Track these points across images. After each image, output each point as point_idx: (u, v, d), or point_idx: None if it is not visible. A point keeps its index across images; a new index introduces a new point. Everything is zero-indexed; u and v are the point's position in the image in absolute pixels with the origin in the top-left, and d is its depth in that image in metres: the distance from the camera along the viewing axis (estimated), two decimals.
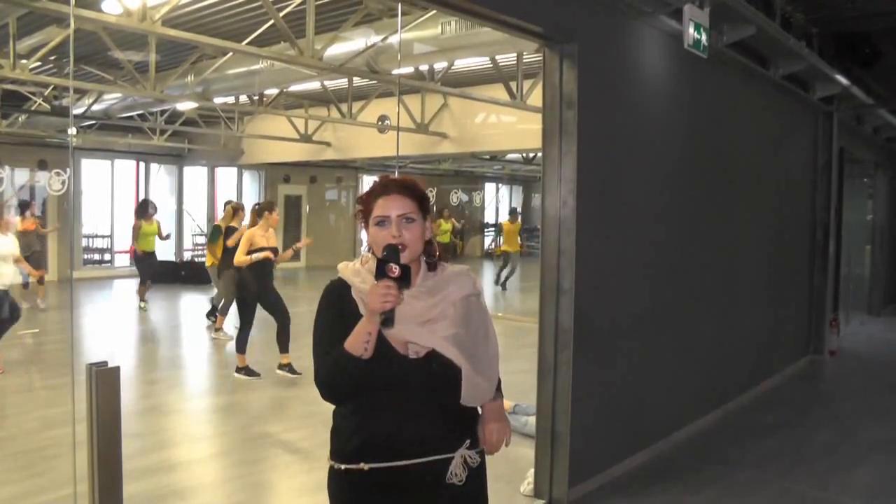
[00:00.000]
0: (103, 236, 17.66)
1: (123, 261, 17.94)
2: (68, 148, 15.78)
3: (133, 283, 12.54)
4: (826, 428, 6.40)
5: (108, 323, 11.28)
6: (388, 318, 2.02)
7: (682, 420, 5.95)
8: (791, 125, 8.41)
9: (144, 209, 12.39)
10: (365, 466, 2.12)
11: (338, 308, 2.16)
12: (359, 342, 2.05)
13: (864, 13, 7.46)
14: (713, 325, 6.50)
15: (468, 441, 2.19)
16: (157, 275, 12.40)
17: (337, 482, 2.21)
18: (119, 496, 3.02)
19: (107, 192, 17.49)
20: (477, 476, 2.22)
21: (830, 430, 6.34)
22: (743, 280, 7.11)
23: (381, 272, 2.03)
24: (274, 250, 7.71)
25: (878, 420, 6.69)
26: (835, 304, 9.78)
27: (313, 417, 6.39)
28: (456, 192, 24.24)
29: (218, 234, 9.85)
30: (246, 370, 7.62)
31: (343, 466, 2.17)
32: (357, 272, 2.19)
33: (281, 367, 7.63)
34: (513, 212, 18.15)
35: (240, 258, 7.55)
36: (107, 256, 17.85)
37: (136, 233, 11.95)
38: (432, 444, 2.12)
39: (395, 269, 2.02)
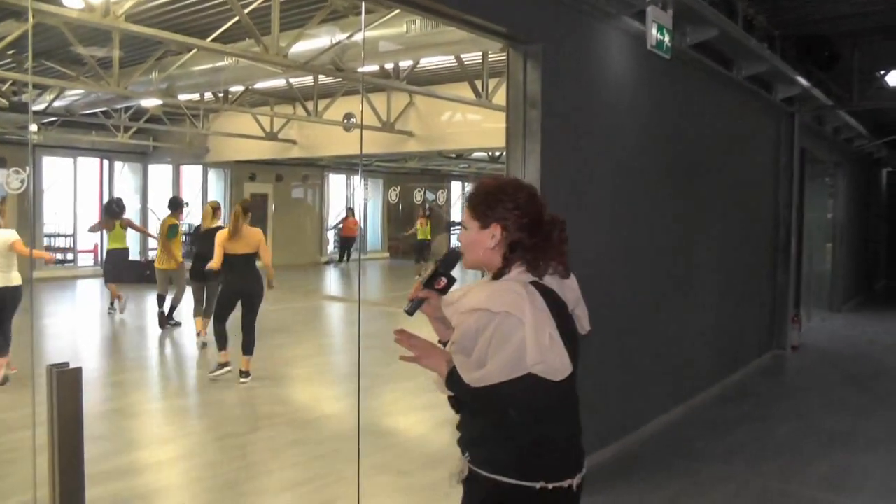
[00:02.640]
0: (66, 235, 17.37)
1: (87, 260, 17.71)
2: (27, 145, 15.47)
3: (97, 283, 12.32)
4: (788, 421, 6.52)
5: (71, 323, 11.13)
6: (405, 310, 2.27)
7: (648, 415, 6.02)
8: (754, 125, 8.53)
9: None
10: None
11: None
12: None
13: (825, 17, 7.60)
14: (679, 320, 6.57)
15: (468, 454, 2.20)
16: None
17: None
18: (81, 500, 2.98)
19: (70, 190, 17.22)
20: (471, 487, 2.22)
21: (792, 423, 6.47)
22: (708, 277, 7.21)
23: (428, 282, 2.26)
24: None
25: (838, 413, 6.83)
26: (797, 300, 9.97)
27: (279, 417, 6.38)
28: (420, 191, 24.23)
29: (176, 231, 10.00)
30: (247, 373, 7.46)
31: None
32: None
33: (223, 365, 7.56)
34: None
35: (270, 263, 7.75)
36: (70, 256, 17.56)
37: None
38: (460, 438, 2.25)
39: (428, 268, 2.26)
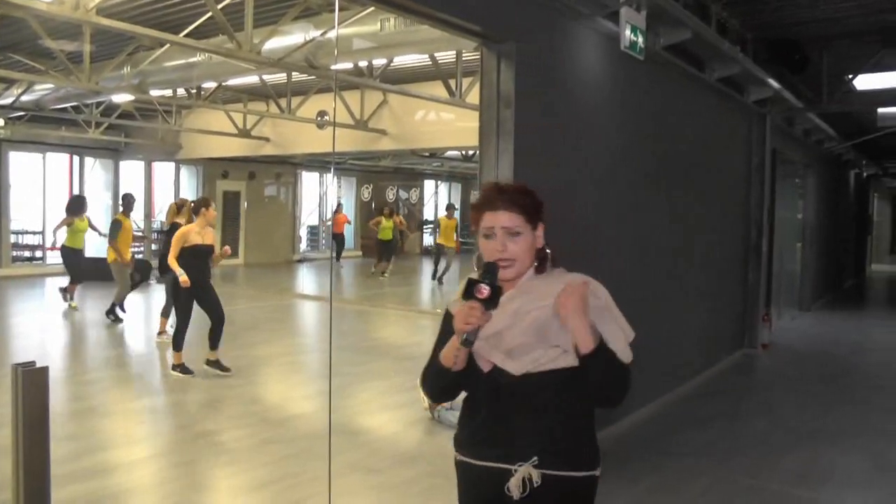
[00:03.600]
0: (34, 232, 17.11)
1: (56, 258, 17.43)
2: None
3: (65, 281, 12.22)
4: (759, 418, 6.60)
5: (39, 322, 10.98)
6: (467, 340, 2.02)
7: (621, 412, 6.04)
8: (726, 126, 8.61)
9: (79, 205, 12.12)
10: (457, 457, 2.27)
11: (448, 325, 2.16)
12: (449, 355, 2.10)
13: (796, 21, 7.70)
14: (651, 319, 6.60)
15: (536, 459, 2.08)
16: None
17: (456, 470, 2.32)
18: (46, 503, 2.93)
19: (38, 186, 16.95)
20: (543, 498, 2.09)
21: (763, 419, 6.55)
22: (680, 276, 7.26)
23: (468, 292, 2.01)
24: (210, 248, 7.58)
25: (807, 410, 6.92)
26: (767, 299, 10.07)
27: (250, 417, 6.33)
28: (392, 189, 24.14)
29: (118, 228, 10.45)
30: (181, 367, 7.52)
31: (455, 455, 2.29)
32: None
33: (209, 363, 7.58)
34: (449, 207, 18.25)
35: (171, 260, 7.44)
36: (38, 253, 17.29)
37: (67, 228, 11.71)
38: (502, 450, 2.12)
39: (484, 291, 1.99)
